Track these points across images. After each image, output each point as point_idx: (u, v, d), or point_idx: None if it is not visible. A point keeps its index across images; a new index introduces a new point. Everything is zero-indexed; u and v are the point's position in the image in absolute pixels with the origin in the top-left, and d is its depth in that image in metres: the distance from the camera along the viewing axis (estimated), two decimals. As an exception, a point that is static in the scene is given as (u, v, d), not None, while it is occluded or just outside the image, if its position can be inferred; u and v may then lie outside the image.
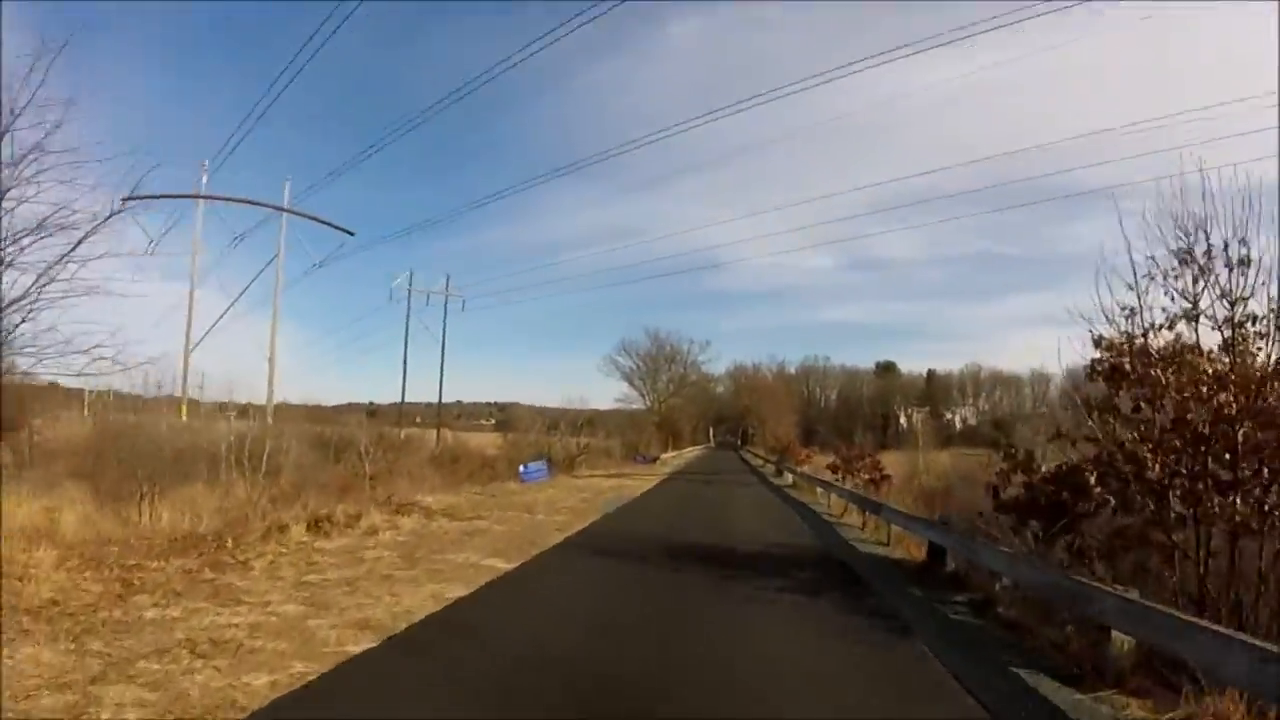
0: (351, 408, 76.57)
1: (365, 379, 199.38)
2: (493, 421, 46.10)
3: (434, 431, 61.66)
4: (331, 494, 31.86)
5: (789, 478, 44.52)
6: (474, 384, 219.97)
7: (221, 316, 52.68)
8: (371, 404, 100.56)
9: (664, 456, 67.69)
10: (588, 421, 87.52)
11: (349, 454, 39.42)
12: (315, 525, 16.53)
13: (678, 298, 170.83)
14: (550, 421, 62.81)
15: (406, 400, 69.48)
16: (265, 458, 31.91)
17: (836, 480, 33.84)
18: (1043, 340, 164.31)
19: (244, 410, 49.18)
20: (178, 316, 50.95)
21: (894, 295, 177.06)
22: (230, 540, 13.68)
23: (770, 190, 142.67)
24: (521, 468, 30.94)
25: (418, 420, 75.01)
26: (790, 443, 61.05)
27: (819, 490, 31.71)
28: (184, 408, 48.88)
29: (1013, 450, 13.44)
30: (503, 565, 13.06)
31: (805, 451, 60.74)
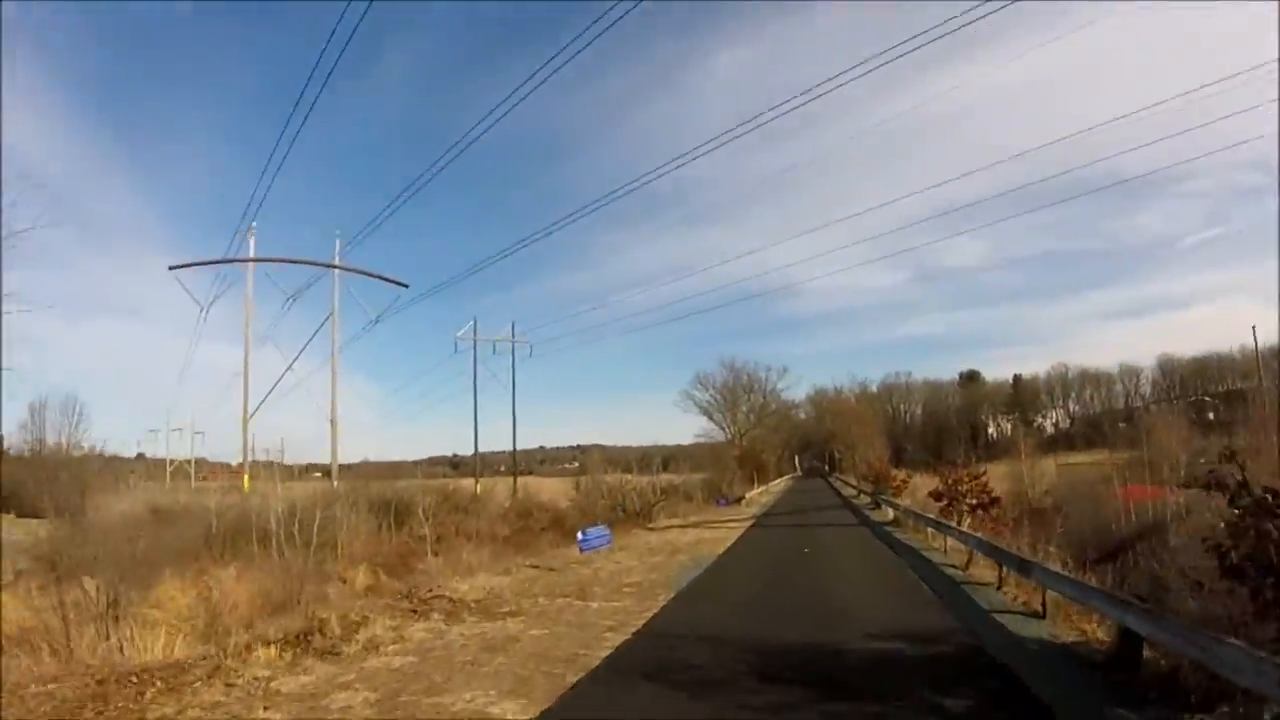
0: (434, 461, 75.56)
1: (446, 430, 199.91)
2: (576, 465, 43.48)
3: (510, 481, 60.06)
4: (389, 562, 30.96)
5: (889, 512, 39.95)
6: (556, 428, 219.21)
7: (278, 381, 52.29)
8: (455, 455, 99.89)
9: (749, 495, 63.05)
10: (665, 461, 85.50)
11: (413, 517, 37.43)
12: (298, 641, 12.78)
13: (747, 327, 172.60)
14: (626, 464, 59.49)
15: (490, 450, 68.17)
16: (316, 529, 30.38)
17: (944, 513, 30.17)
18: (1121, 334, 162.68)
19: (327, 472, 47.86)
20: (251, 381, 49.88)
21: (967, 304, 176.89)
22: (159, 682, 10.20)
23: (831, 209, 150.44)
24: (580, 535, 26.80)
25: (501, 469, 73.77)
26: (884, 469, 55.98)
27: (929, 530, 27.18)
28: (246, 479, 47.01)
29: (1243, 488, 8.98)
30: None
31: (900, 476, 55.60)
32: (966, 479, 34.99)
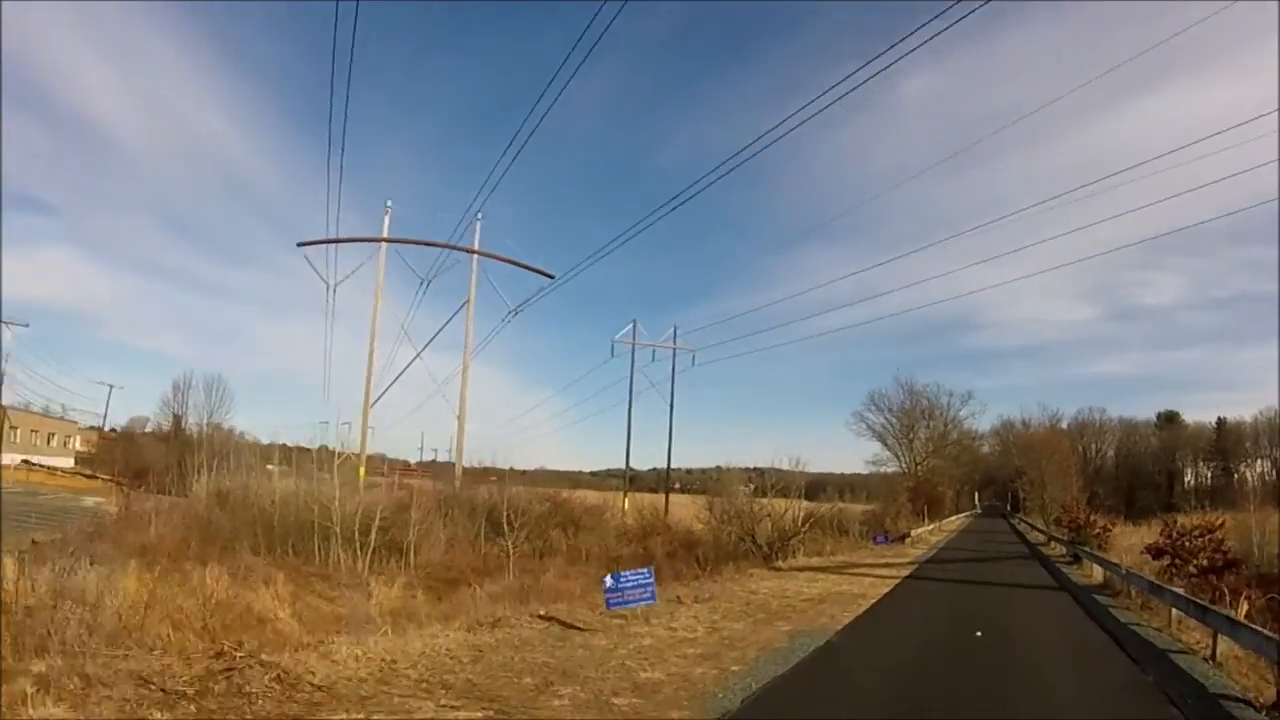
0: (612, 473, 72.99)
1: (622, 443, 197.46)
2: (751, 488, 37.94)
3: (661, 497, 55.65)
4: (454, 576, 26.47)
5: (1094, 570, 30.38)
6: (738, 447, 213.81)
7: (405, 370, 50.20)
8: (632, 469, 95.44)
9: (917, 532, 53.44)
10: (841, 490, 78.01)
11: (525, 527, 32.57)
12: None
13: (933, 356, 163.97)
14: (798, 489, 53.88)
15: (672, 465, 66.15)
16: (374, 532, 27.06)
17: (1164, 574, 24.01)
18: None
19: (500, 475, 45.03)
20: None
21: (1165, 343, 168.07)
22: None
23: (1021, 240, 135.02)
24: (608, 582, 16.71)
25: (676, 485, 71.47)
26: (1084, 515, 45.55)
27: (1174, 612, 17.86)
28: (362, 469, 43.78)
29: None
30: None
31: (1101, 522, 44.94)
32: (1196, 532, 26.91)
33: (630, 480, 62.90)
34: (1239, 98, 59.97)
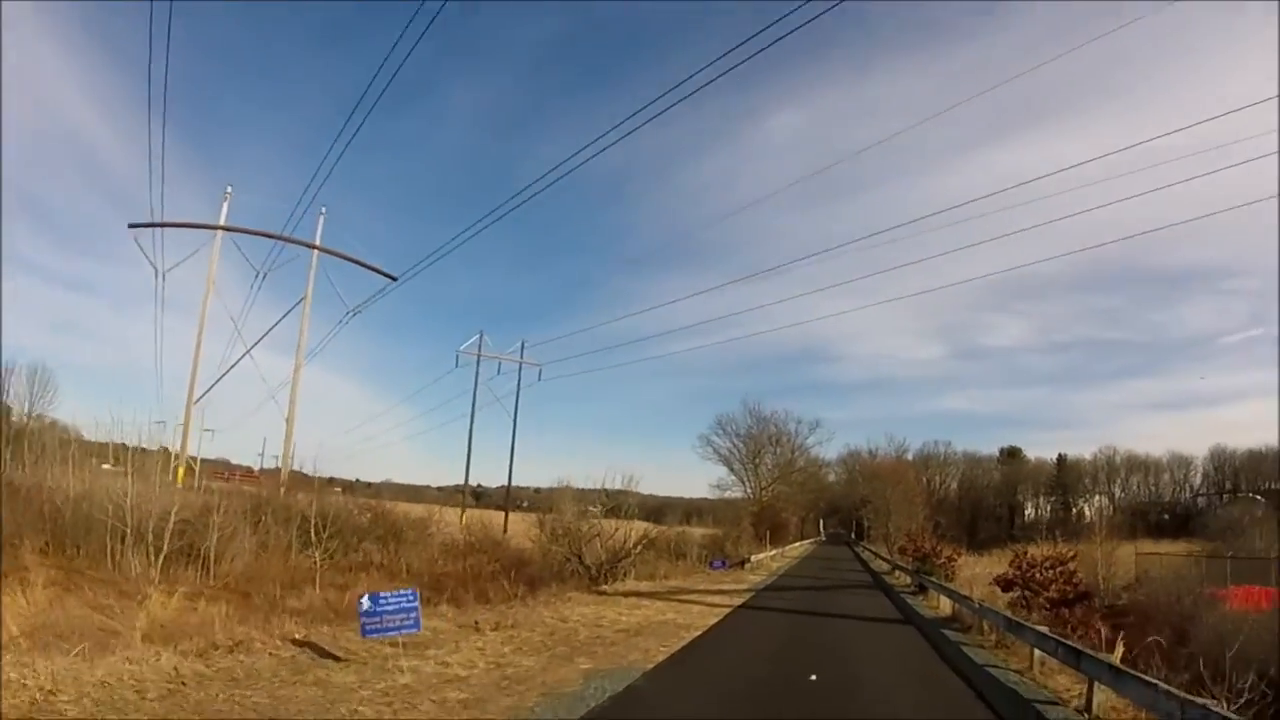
0: (460, 489, 69.63)
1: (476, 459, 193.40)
2: (599, 508, 35.51)
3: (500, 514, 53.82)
4: (279, 588, 23.42)
5: (940, 601, 28.15)
6: (592, 470, 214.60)
7: (232, 367, 47.66)
8: (479, 486, 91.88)
9: (758, 558, 51.08)
10: (687, 514, 76.49)
11: (341, 538, 30.23)
12: None
13: (783, 386, 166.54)
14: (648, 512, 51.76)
15: (518, 484, 65.56)
16: (167, 536, 23.70)
17: (1014, 606, 23.40)
18: (1166, 424, 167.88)
19: (348, 487, 41.44)
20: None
21: (1008, 383, 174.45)
22: None
23: (876, 279, 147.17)
24: (364, 604, 12.28)
25: (524, 504, 70.19)
26: (931, 544, 43.92)
27: (1037, 654, 15.28)
28: (181, 469, 41.67)
29: None
30: None
31: (949, 552, 43.34)
32: (1046, 564, 25.74)
33: (477, 496, 59.82)
34: (1082, 150, 61.22)
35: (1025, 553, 27.25)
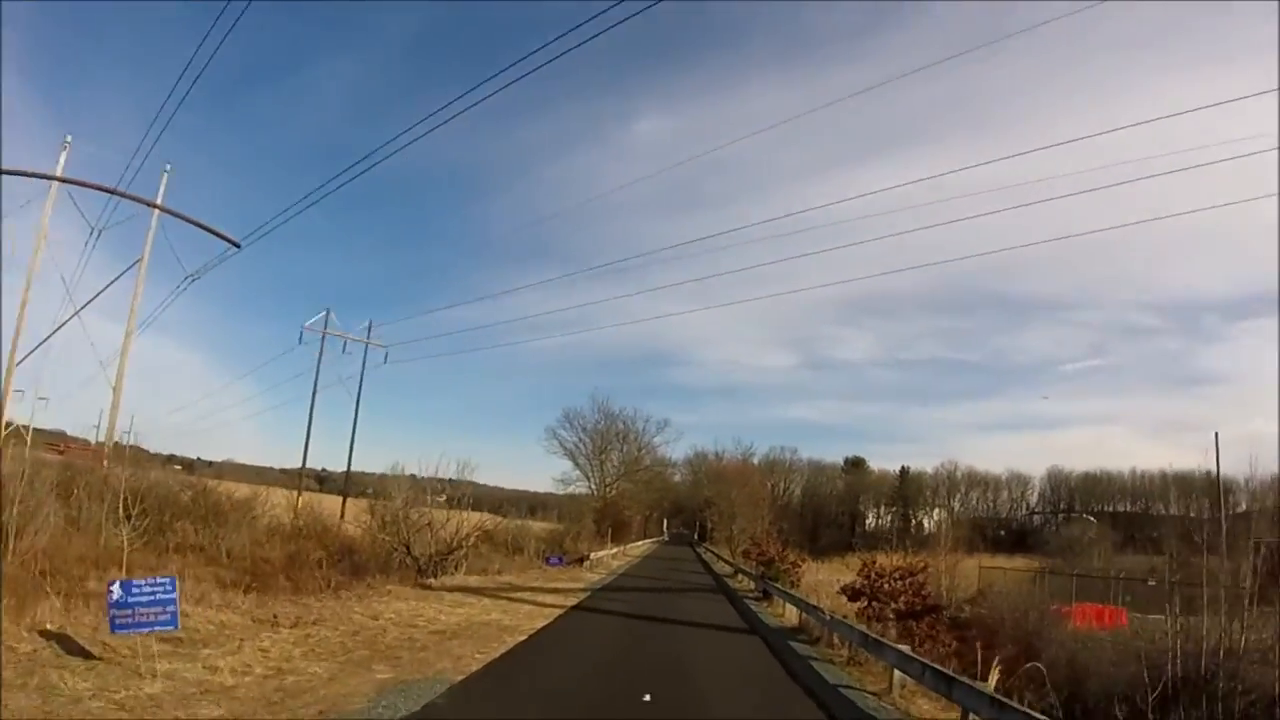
0: (306, 472, 66.21)
1: (319, 442, 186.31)
2: (443, 498, 33.21)
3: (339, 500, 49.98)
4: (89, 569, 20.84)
5: (785, 609, 26.92)
6: (439, 459, 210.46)
7: (59, 329, 41.88)
8: (324, 470, 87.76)
9: (598, 555, 49.24)
10: (532, 508, 74.66)
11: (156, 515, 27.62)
12: None
13: (633, 388, 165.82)
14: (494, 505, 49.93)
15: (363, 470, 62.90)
16: None
17: (862, 616, 22.12)
18: (1006, 444, 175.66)
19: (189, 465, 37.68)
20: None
21: (858, 396, 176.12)
22: None
23: (732, 284, 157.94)
24: (114, 592, 9.88)
25: (369, 491, 63.02)
26: (775, 548, 42.93)
27: (896, 674, 13.83)
28: None
29: None
30: None
31: (794, 557, 42.38)
32: (896, 574, 24.23)
33: (321, 481, 56.99)
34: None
35: (874, 561, 26.04)
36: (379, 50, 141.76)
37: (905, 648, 14.07)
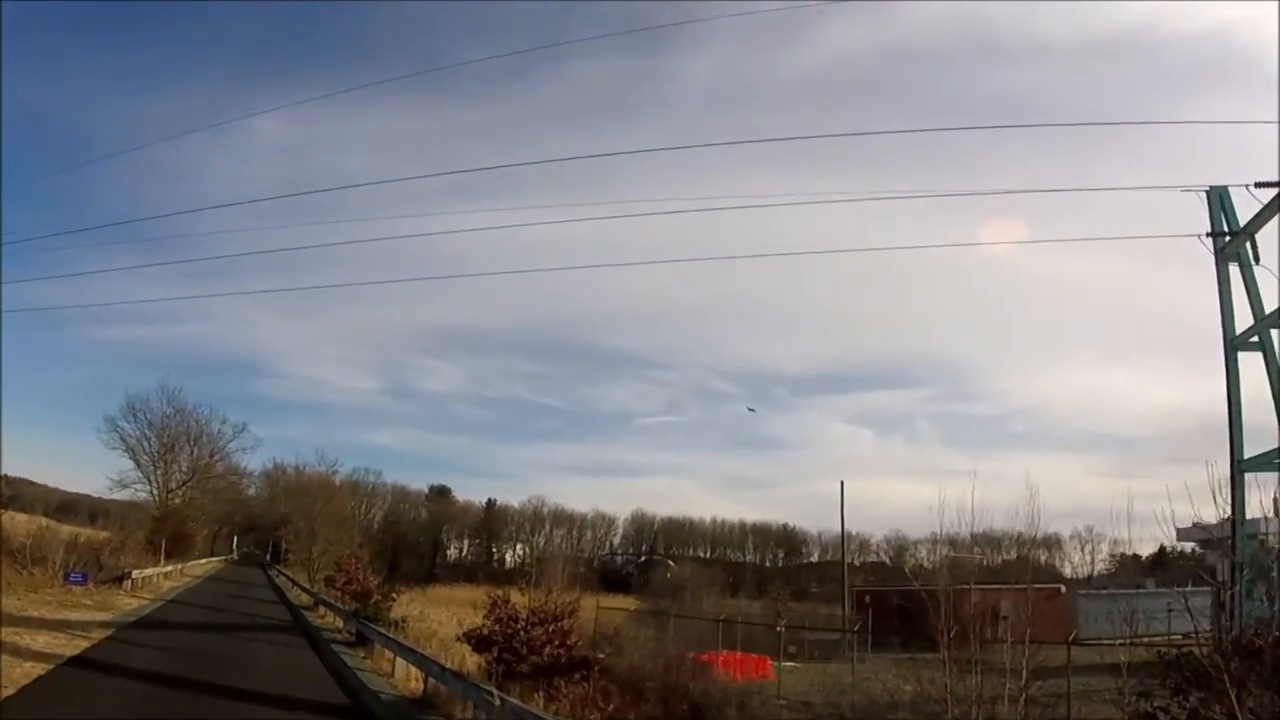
0: None
1: None
2: None
3: None
4: None
5: (399, 668, 20.02)
6: None
7: None
8: None
9: (147, 573, 39.90)
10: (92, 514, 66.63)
11: None
12: None
13: (213, 396, 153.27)
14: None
15: None
16: None
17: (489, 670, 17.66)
18: (591, 486, 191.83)
19: None
20: None
21: (443, 428, 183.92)
22: None
23: (328, 302, 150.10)
24: None
25: None
26: (375, 581, 35.99)
27: None
28: None
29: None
30: None
31: (389, 590, 35.54)
32: (534, 619, 19.28)
33: None
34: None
35: (507, 600, 20.16)
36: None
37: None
